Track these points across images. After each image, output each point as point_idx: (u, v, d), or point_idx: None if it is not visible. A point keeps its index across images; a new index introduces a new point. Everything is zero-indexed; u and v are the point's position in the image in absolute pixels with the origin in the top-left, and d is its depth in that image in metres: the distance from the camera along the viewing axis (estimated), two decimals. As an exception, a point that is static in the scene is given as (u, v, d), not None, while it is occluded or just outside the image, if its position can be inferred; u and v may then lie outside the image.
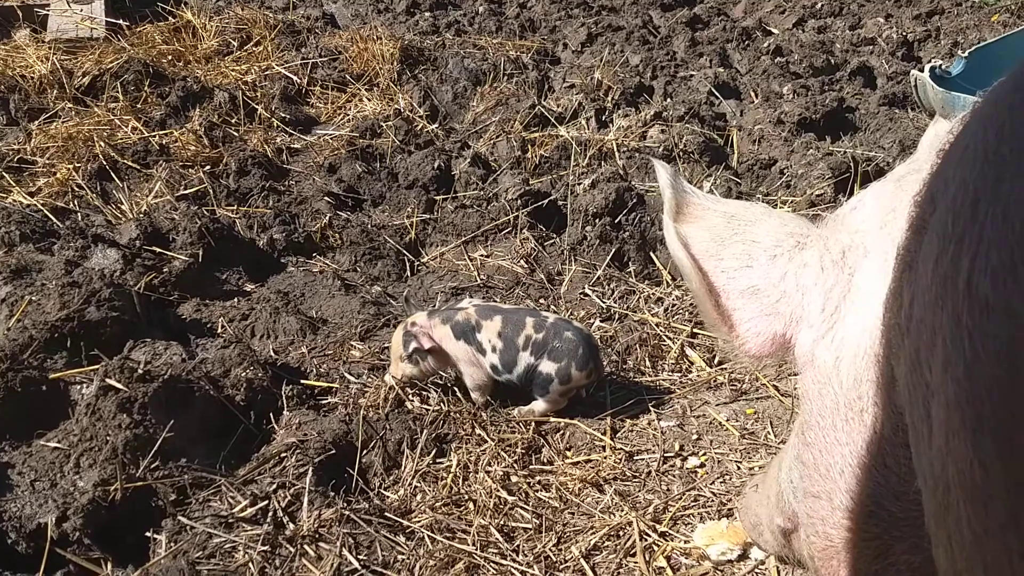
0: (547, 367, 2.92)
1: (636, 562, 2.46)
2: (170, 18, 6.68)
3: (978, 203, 0.61)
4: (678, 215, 1.26)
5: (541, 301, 3.70)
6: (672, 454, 2.92)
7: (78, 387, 2.92)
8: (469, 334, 2.95)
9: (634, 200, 4.14)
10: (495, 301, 3.56)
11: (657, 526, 2.58)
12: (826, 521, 1.13)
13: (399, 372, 3.03)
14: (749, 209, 1.28)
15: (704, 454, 2.92)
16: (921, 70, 5.18)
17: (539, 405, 3.03)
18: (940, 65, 5.23)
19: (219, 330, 3.44)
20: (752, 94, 5.80)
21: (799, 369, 1.15)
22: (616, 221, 4.09)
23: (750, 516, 1.82)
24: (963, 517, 0.61)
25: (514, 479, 2.78)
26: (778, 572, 2.43)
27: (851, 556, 1.11)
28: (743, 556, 2.47)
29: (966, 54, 5.38)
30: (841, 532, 1.11)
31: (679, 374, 3.33)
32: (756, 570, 2.44)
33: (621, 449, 2.91)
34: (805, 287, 1.14)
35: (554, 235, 4.24)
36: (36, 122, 5.02)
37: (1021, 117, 0.62)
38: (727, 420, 3.06)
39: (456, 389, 3.11)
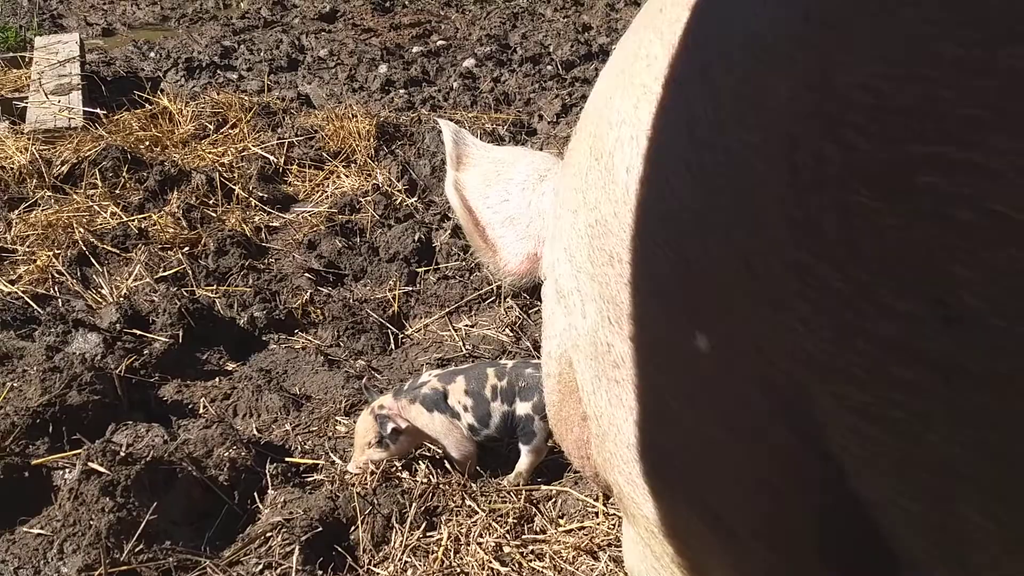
0: (523, 408, 2.89)
1: (634, 628, 2.41)
2: (147, 105, 6.74)
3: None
4: (459, 165, 1.48)
5: (526, 368, 3.69)
6: (665, 517, 2.88)
7: (60, 472, 2.87)
8: (440, 403, 2.92)
9: (614, 265, 4.16)
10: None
11: (654, 591, 2.53)
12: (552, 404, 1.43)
13: (364, 459, 2.95)
14: (511, 153, 1.53)
15: (697, 515, 2.88)
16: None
17: (524, 461, 2.99)
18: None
19: (201, 410, 3.40)
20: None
21: (543, 279, 1.37)
22: (597, 286, 4.10)
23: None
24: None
25: (507, 550, 2.73)
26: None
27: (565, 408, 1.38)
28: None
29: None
30: (554, 396, 1.41)
31: (668, 436, 3.31)
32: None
33: (615, 515, 2.87)
34: (544, 210, 1.39)
35: (539, 303, 4.25)
36: (16, 211, 5.02)
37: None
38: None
39: (445, 461, 3.08)
